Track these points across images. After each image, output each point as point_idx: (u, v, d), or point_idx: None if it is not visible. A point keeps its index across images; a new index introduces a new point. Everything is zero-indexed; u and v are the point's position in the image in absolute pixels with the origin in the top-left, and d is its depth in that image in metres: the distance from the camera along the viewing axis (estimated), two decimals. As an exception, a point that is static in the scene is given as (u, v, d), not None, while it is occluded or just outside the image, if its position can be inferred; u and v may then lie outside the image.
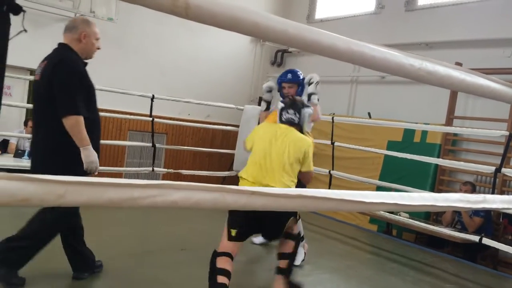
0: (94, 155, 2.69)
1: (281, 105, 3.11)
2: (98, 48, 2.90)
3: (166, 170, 6.43)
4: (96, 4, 6.31)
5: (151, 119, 5.89)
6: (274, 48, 8.94)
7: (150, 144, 6.01)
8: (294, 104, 3.07)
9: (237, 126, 6.85)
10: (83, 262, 2.98)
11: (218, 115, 7.81)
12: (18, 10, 0.65)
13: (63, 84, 2.64)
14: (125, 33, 7.01)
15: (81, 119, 2.63)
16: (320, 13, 8.52)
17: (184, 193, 0.89)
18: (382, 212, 5.31)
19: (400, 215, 5.37)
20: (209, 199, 0.94)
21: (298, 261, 3.69)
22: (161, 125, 7.24)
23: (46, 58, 2.79)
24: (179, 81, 7.66)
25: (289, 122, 3.03)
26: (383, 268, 4.19)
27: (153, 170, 6.01)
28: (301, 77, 3.85)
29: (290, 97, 3.37)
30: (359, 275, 3.92)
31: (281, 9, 8.80)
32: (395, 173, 6.31)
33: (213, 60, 8.11)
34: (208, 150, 7.21)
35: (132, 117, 6.36)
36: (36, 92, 2.82)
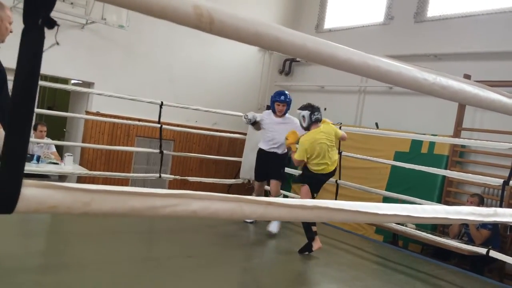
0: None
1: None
2: (11, 31, 2.66)
3: (173, 176, 6.46)
4: (108, 11, 6.38)
5: (159, 125, 5.93)
6: (282, 57, 8.98)
7: (158, 151, 6.04)
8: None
9: (244, 134, 6.88)
10: None
11: (225, 123, 7.84)
12: (53, 24, 0.67)
13: None
14: (135, 40, 7.08)
15: None
16: (329, 23, 8.57)
17: (203, 203, 0.91)
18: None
19: (406, 226, 5.36)
20: (227, 209, 0.96)
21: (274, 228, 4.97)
22: (168, 132, 7.28)
23: None
24: (187, 88, 7.71)
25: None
26: (390, 279, 4.18)
27: (160, 176, 6.04)
28: (290, 98, 5.08)
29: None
30: (366, 286, 3.91)
31: (290, 19, 8.86)
32: (402, 184, 6.30)
33: (221, 68, 8.17)
34: (215, 158, 7.24)
35: (140, 123, 6.41)
36: None
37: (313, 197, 4.71)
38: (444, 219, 1.34)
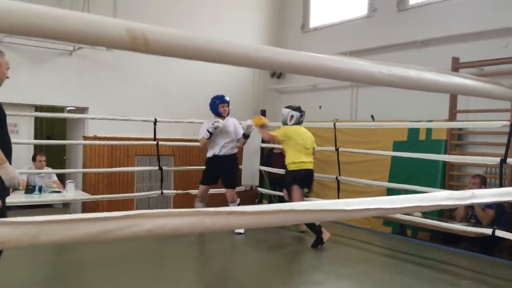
0: (14, 171, 2.71)
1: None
2: (7, 77, 2.95)
3: (175, 191, 6.48)
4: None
5: (155, 142, 5.96)
6: (272, 60, 8.99)
7: (157, 168, 6.07)
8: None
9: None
10: None
11: (223, 132, 7.84)
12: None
13: None
14: (124, 61, 7.12)
15: None
16: (314, 21, 8.58)
17: (159, 221, 0.92)
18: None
19: (412, 215, 5.34)
20: (186, 223, 0.97)
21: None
22: (167, 148, 7.30)
23: None
24: (181, 102, 7.73)
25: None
26: (398, 270, 4.17)
27: (162, 193, 6.06)
28: None
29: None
30: (374, 279, 3.90)
31: (275, 21, 8.89)
32: (404, 173, 6.28)
33: (214, 78, 8.17)
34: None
35: (137, 142, 6.44)
36: None
37: (305, 194, 5.07)
38: (417, 207, 1.34)
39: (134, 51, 0.89)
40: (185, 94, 7.87)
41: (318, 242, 4.71)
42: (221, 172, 5.34)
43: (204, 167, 5.60)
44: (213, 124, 5.16)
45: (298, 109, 5.10)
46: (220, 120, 5.21)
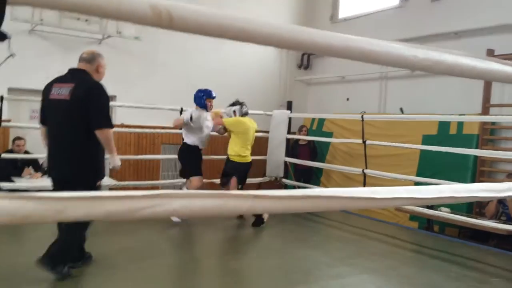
0: (119, 160, 3.53)
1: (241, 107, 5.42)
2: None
3: (200, 180, 6.49)
4: (122, 24, 6.48)
5: (181, 131, 5.98)
6: (300, 51, 8.91)
7: (183, 156, 6.08)
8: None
9: (267, 132, 6.87)
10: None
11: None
12: (3, 36, 0.68)
13: (99, 104, 3.22)
14: (151, 50, 7.17)
15: (112, 132, 3.28)
16: (343, 12, 8.44)
17: (184, 201, 0.90)
18: (421, 208, 5.18)
19: (440, 210, 5.22)
20: (212, 206, 0.95)
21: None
22: (193, 137, 7.33)
23: (68, 80, 3.26)
24: (207, 92, 7.72)
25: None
26: (425, 266, 4.08)
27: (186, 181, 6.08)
28: None
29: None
30: (400, 274, 3.83)
31: (304, 12, 8.78)
32: (433, 168, 6.13)
33: (240, 69, 8.16)
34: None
35: (163, 131, 6.49)
36: (63, 109, 3.19)
37: (239, 189, 5.20)
38: (450, 198, 1.29)
39: (158, 27, 0.88)
40: (211, 84, 7.79)
41: (259, 222, 5.17)
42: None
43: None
44: (207, 119, 5.40)
45: (236, 103, 5.50)
46: (208, 117, 5.44)
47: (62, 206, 0.76)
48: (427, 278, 3.76)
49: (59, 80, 3.31)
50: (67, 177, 3.22)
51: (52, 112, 3.29)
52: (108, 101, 3.37)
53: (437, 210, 5.19)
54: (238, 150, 5.29)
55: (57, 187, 3.32)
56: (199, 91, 5.53)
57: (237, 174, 5.30)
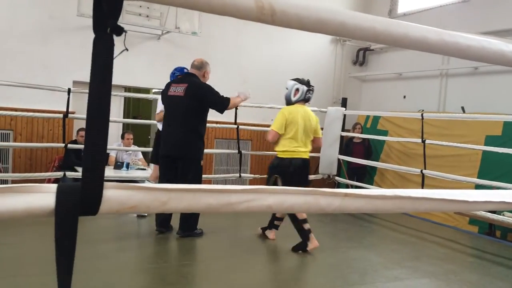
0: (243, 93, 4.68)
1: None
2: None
3: (252, 175, 6.55)
4: (181, 20, 6.61)
5: (235, 126, 6.04)
6: (355, 47, 8.75)
7: (236, 151, 6.16)
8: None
9: (321, 128, 6.78)
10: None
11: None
12: (120, 31, 0.70)
13: (211, 95, 4.28)
14: (207, 45, 7.26)
15: (233, 100, 4.43)
16: (402, 6, 8.19)
17: (278, 197, 0.90)
18: (483, 212, 4.95)
19: (504, 215, 4.97)
20: (303, 202, 0.94)
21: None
22: (245, 132, 7.39)
23: (182, 82, 4.29)
24: (261, 87, 7.73)
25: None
26: (488, 272, 3.90)
27: (240, 176, 6.15)
28: None
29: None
30: (461, 280, 3.68)
31: (361, 6, 8.60)
32: (496, 170, 5.84)
33: (293, 64, 8.11)
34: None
35: (217, 125, 6.56)
36: (180, 103, 4.18)
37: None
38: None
39: (259, 21, 0.87)
40: (264, 80, 7.88)
41: (301, 247, 4.09)
42: None
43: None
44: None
45: (306, 83, 4.33)
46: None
47: (167, 197, 0.78)
48: (492, 285, 3.60)
49: (175, 81, 4.38)
50: (182, 153, 4.17)
51: (170, 104, 4.28)
52: (214, 90, 4.29)
53: (500, 214, 4.94)
54: (285, 143, 4.32)
55: (168, 162, 4.24)
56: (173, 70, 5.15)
57: (280, 173, 4.31)
